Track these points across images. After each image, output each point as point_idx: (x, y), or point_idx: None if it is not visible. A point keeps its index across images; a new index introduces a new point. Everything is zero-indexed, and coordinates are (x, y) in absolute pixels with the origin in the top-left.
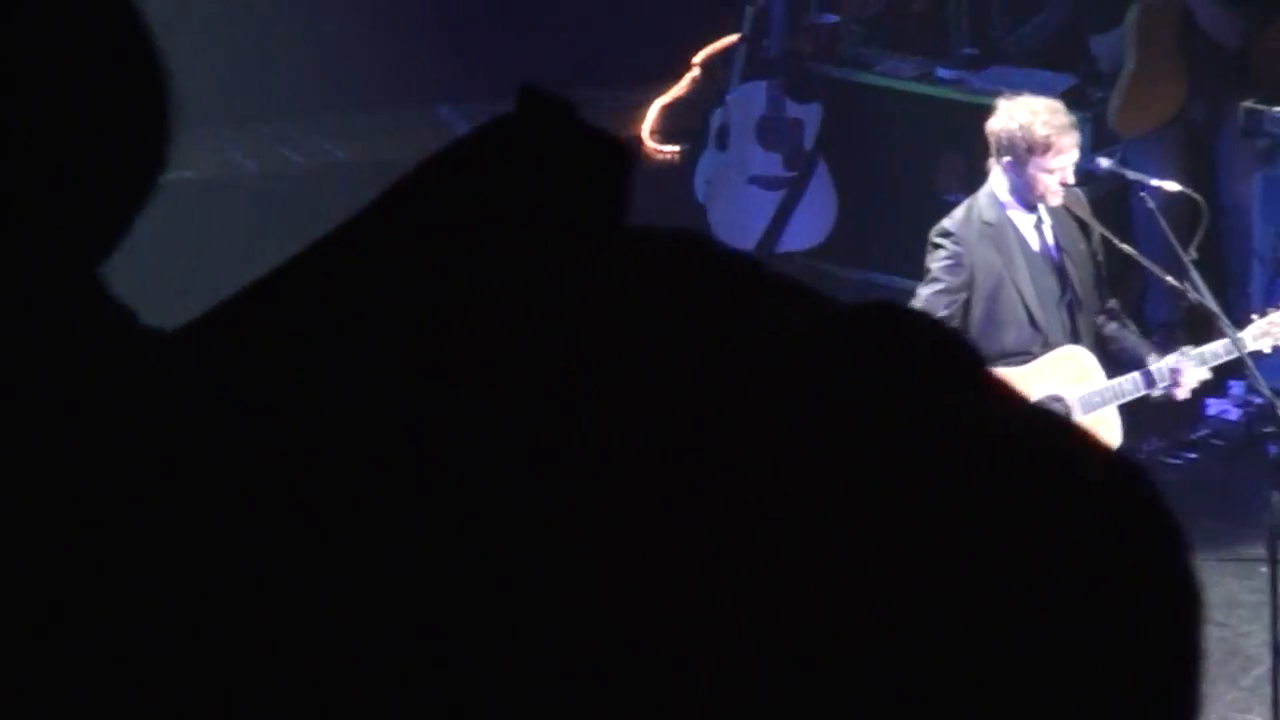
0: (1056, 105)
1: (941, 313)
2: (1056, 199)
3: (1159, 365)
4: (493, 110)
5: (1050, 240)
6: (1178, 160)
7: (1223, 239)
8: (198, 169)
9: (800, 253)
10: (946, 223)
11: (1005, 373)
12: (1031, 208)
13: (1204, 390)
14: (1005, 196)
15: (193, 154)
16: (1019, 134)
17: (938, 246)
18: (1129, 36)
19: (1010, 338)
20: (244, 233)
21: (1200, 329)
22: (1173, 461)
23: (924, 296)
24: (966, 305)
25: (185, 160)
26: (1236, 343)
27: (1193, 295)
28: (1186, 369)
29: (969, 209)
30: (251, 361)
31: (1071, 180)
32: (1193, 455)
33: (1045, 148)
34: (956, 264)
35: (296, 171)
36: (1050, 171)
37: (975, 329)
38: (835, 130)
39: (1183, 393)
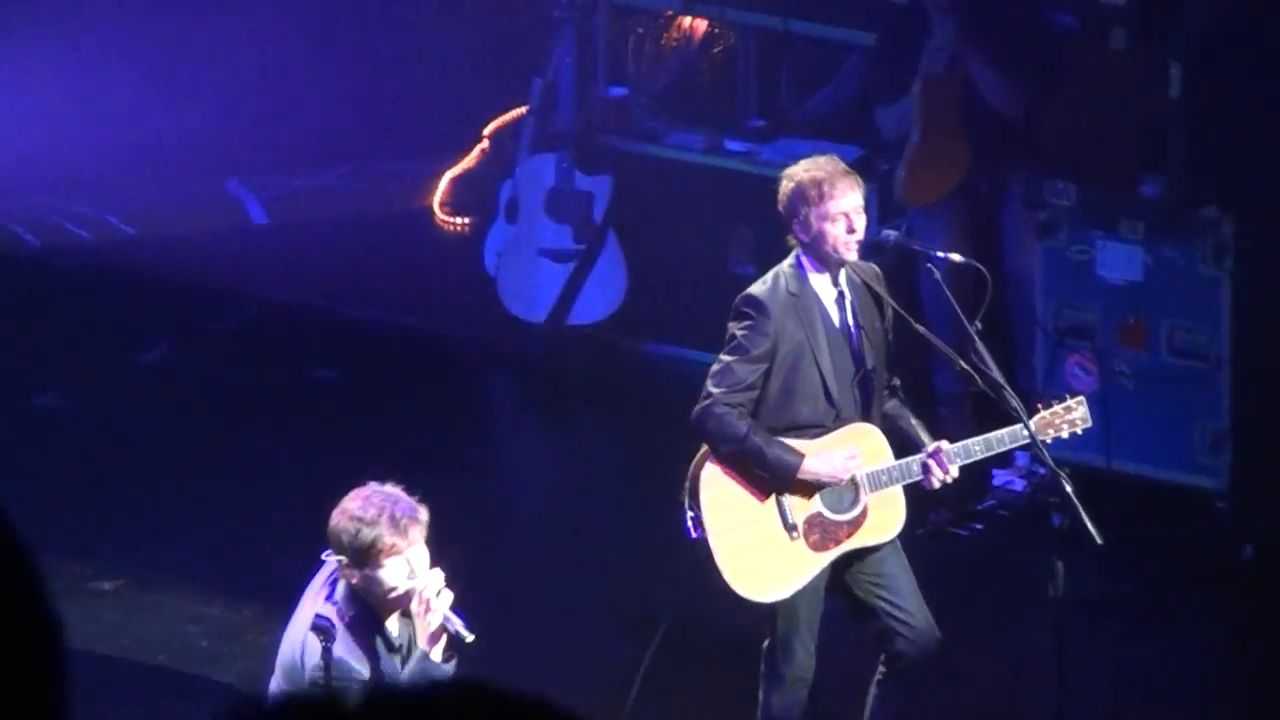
0: (829, 156)
1: (746, 381)
2: (850, 253)
3: (916, 459)
4: (281, 184)
5: (850, 316)
6: (963, 231)
7: (1007, 309)
8: None
9: (590, 325)
10: (754, 290)
11: (800, 445)
12: (834, 278)
13: (991, 461)
14: (807, 266)
15: None
16: (794, 189)
17: (743, 314)
18: (914, 109)
19: (805, 410)
20: (29, 308)
21: (987, 399)
22: (959, 533)
23: (726, 364)
24: (765, 375)
25: None
26: (1032, 433)
27: (969, 370)
28: (948, 465)
29: (775, 279)
30: None
31: (860, 230)
32: (979, 526)
33: (820, 195)
34: (760, 333)
35: (82, 247)
36: (833, 220)
37: (771, 400)
38: (625, 202)
39: (934, 482)
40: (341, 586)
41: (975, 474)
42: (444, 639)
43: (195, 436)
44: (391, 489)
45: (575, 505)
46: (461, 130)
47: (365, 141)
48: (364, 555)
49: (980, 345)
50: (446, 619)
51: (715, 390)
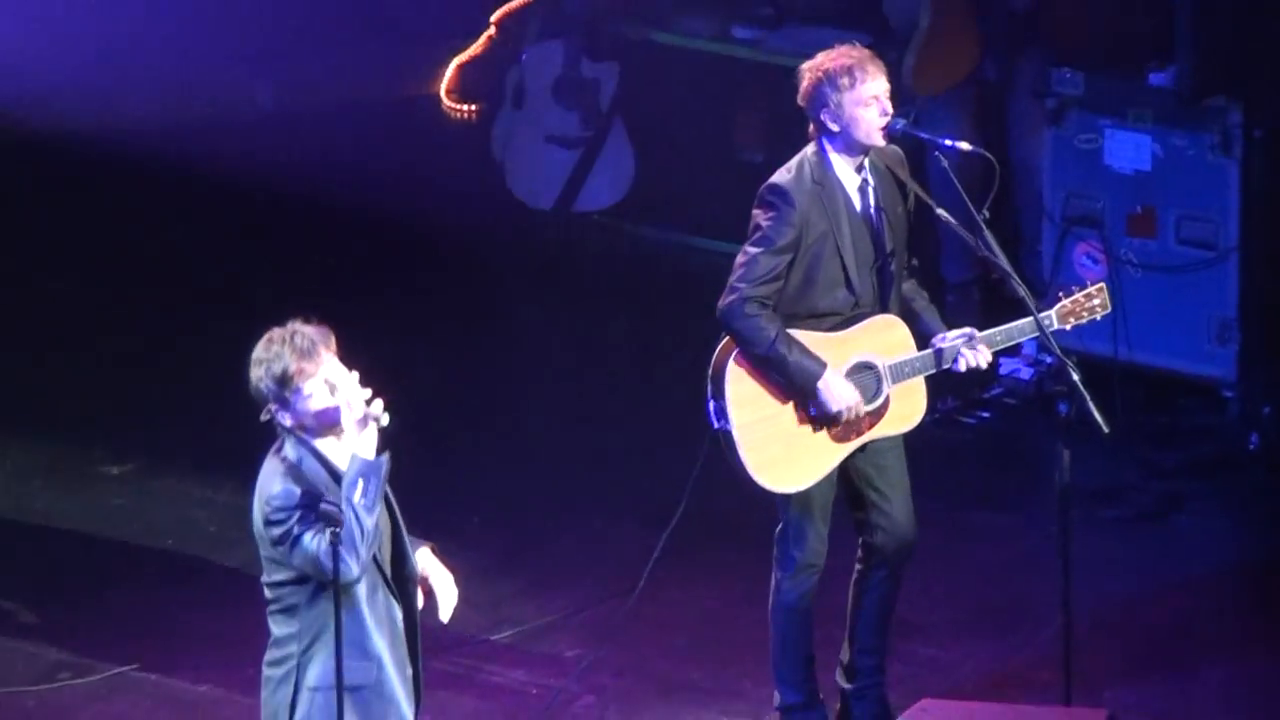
0: (850, 42)
1: (773, 273)
2: (880, 138)
3: (949, 345)
4: (289, 71)
5: (873, 202)
6: (971, 119)
7: (1014, 198)
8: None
9: (597, 212)
10: (777, 179)
11: (822, 338)
12: (857, 164)
13: (999, 351)
14: (832, 155)
15: None
16: (825, 79)
17: (768, 204)
18: None
19: (825, 298)
20: (40, 191)
21: (996, 287)
22: (967, 420)
23: (752, 255)
24: (789, 265)
25: None
26: (1039, 323)
27: (986, 256)
28: (979, 350)
29: (800, 168)
30: None
31: (890, 111)
32: (986, 414)
33: (852, 81)
34: (786, 223)
35: (94, 131)
36: (866, 104)
37: (792, 287)
38: (632, 89)
39: (963, 367)
40: (283, 444)
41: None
42: (372, 428)
43: (203, 321)
44: (289, 325)
45: (584, 391)
46: (469, 17)
47: (372, 28)
48: (282, 389)
49: (988, 234)
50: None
51: (741, 284)
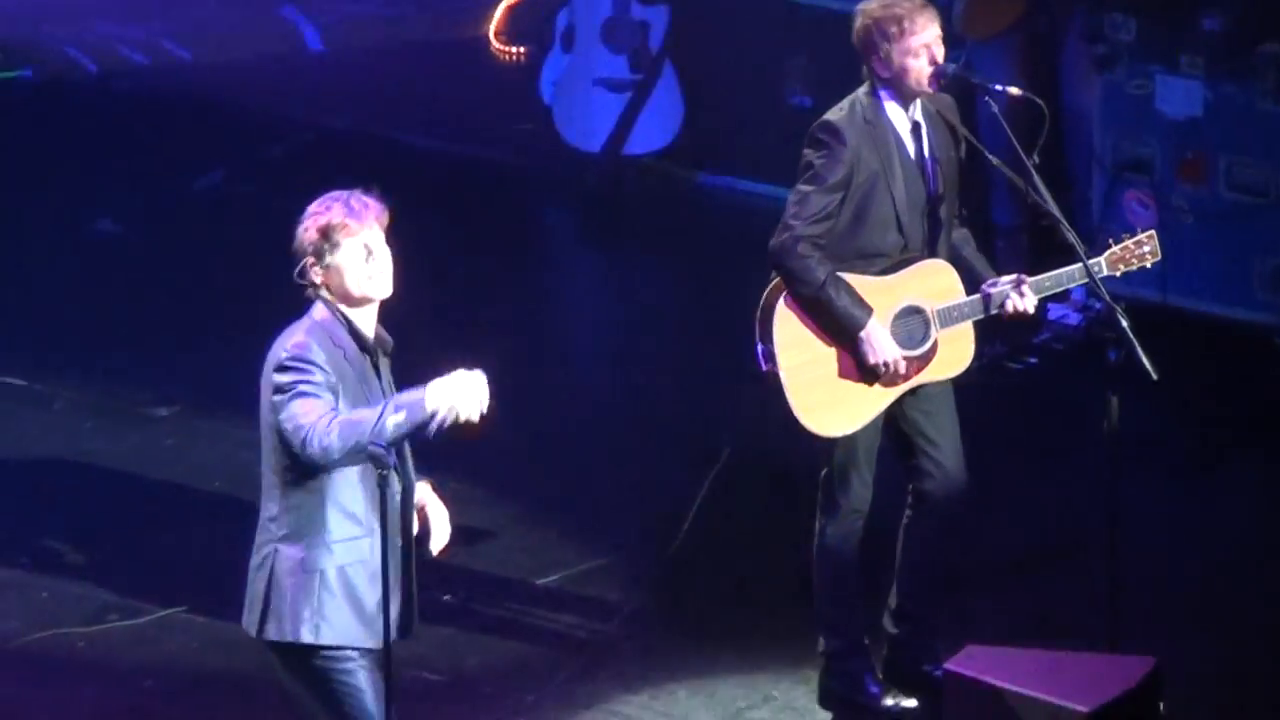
0: None
1: (825, 210)
2: (929, 85)
3: (998, 290)
4: (337, 10)
5: (925, 145)
6: (1021, 64)
7: (1064, 143)
8: (38, 68)
9: (646, 155)
10: (829, 118)
11: (871, 282)
12: (907, 108)
13: (1046, 297)
14: (884, 98)
15: (33, 54)
16: (876, 26)
17: (820, 142)
18: None
19: (874, 239)
20: (85, 134)
21: (1043, 233)
22: (1014, 366)
23: (804, 194)
24: (840, 204)
25: (25, 59)
26: (1088, 269)
27: (1036, 201)
28: (1026, 295)
29: (852, 107)
30: None
31: (940, 59)
32: (1033, 360)
33: (901, 30)
34: (838, 161)
35: (138, 71)
36: (915, 54)
37: (841, 226)
38: (682, 33)
39: (1010, 309)
40: (311, 309)
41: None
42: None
43: (250, 263)
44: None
45: (632, 335)
46: None
47: None
48: (322, 243)
49: (1038, 179)
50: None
51: (794, 222)
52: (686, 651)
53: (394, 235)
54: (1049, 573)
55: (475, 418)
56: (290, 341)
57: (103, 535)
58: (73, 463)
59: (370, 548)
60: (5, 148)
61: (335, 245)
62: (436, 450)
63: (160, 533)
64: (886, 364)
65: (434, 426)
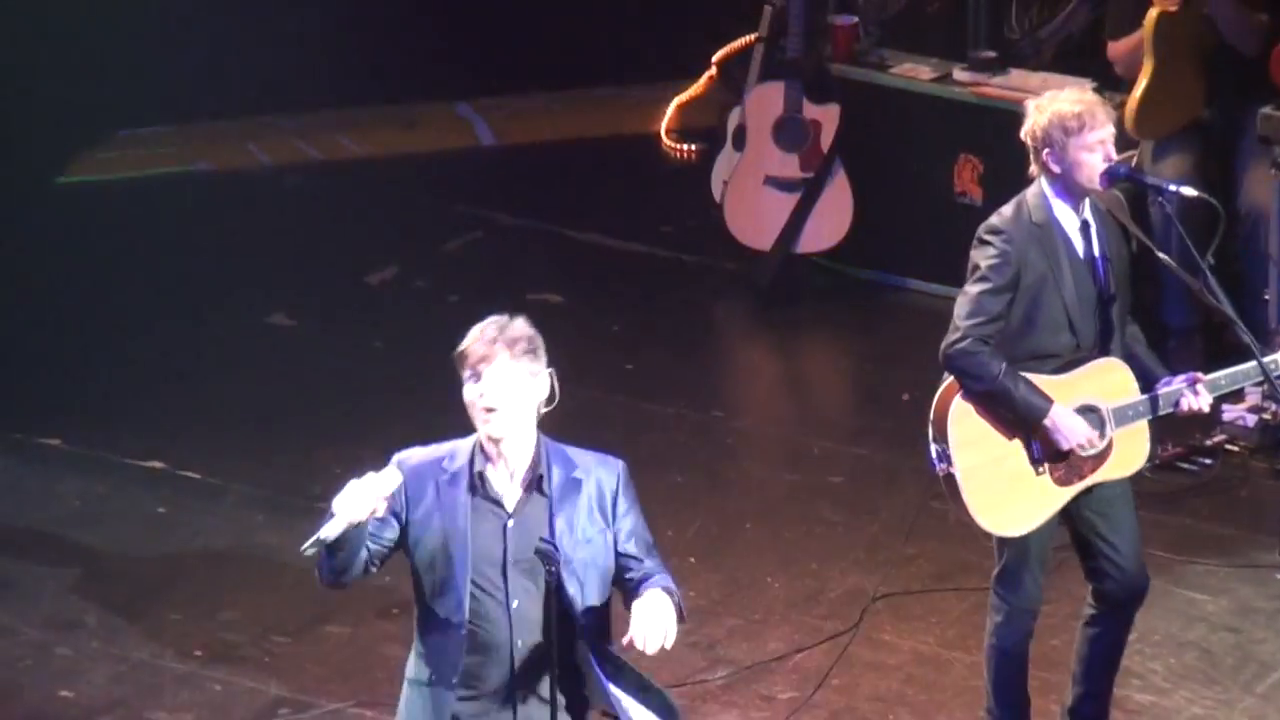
0: (1083, 84)
1: (994, 312)
2: (1101, 183)
3: (1172, 389)
4: (510, 106)
5: (1095, 244)
6: (1194, 165)
7: (1239, 246)
8: (216, 161)
9: (816, 254)
10: (996, 220)
11: (1046, 381)
12: (1079, 208)
13: (1221, 397)
14: (1052, 197)
15: (211, 147)
16: (1053, 121)
17: (986, 244)
18: (1146, 42)
19: (1046, 340)
20: (259, 225)
21: (1218, 334)
22: (1188, 467)
23: (973, 295)
24: (1009, 305)
25: (203, 153)
26: (1263, 366)
27: (1210, 302)
28: (1200, 394)
29: (1019, 207)
30: None
31: (1114, 157)
32: (1208, 461)
33: (1080, 125)
34: (1005, 263)
35: (311, 165)
36: (1091, 149)
37: (1012, 328)
38: (853, 131)
39: (1185, 407)
40: None
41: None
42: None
43: (422, 358)
44: (510, 318)
45: (802, 432)
46: (691, 57)
47: (593, 65)
48: (457, 365)
49: (1212, 280)
50: None
51: (964, 324)
52: None
53: (560, 330)
54: (1222, 673)
55: (361, 516)
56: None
57: (275, 628)
58: (245, 556)
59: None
60: (179, 242)
61: (461, 375)
62: None
63: (330, 627)
64: (1082, 443)
65: (332, 526)
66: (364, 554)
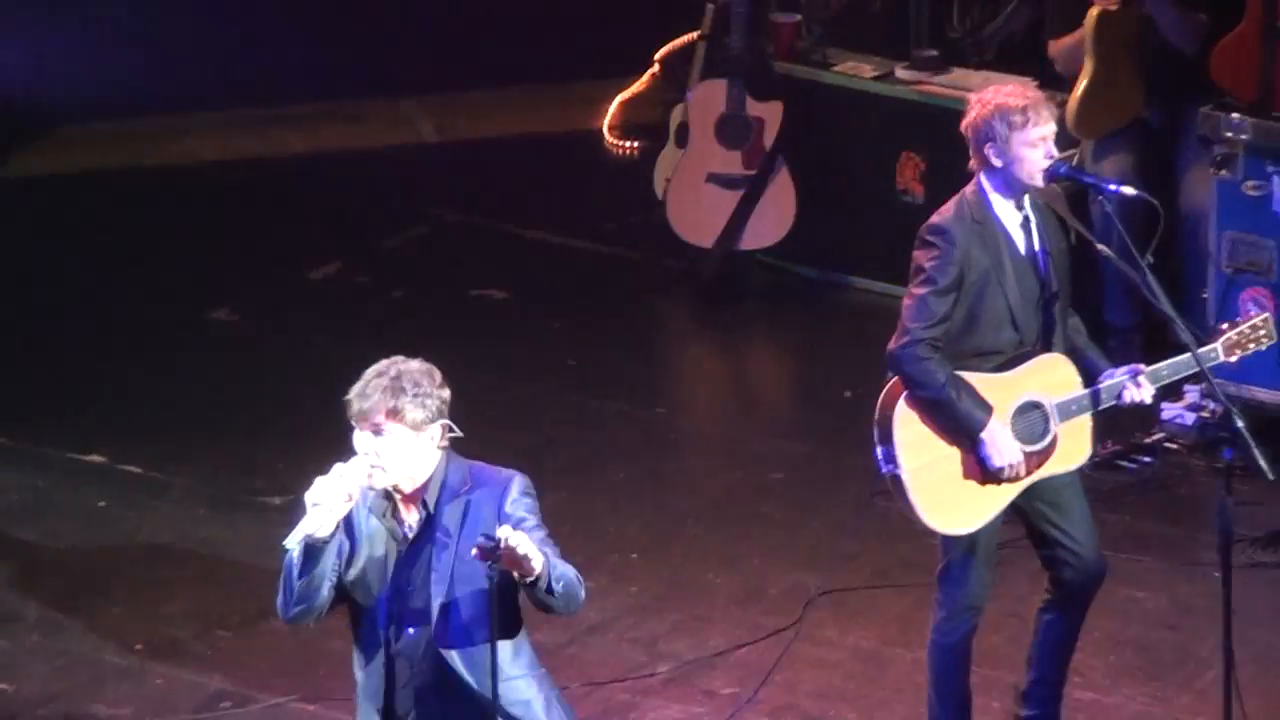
0: (1025, 81)
1: (940, 314)
2: (1041, 179)
3: (1114, 381)
4: (454, 102)
5: (1036, 240)
6: (1135, 164)
7: (1179, 244)
8: (157, 156)
9: (759, 252)
10: (937, 219)
11: (989, 378)
12: (1019, 203)
13: (1161, 394)
14: (992, 193)
15: (152, 143)
16: (995, 115)
17: (929, 244)
18: (1087, 41)
19: (989, 337)
20: (200, 220)
21: (1159, 332)
22: (1127, 465)
23: (919, 298)
24: (954, 305)
25: (145, 148)
26: (1198, 358)
27: (1150, 298)
28: (1143, 385)
29: (959, 206)
30: None
31: (1055, 154)
32: (1148, 459)
33: (1025, 120)
34: (949, 263)
35: (253, 160)
36: (1034, 145)
37: (955, 326)
38: (795, 129)
39: (1128, 399)
40: None
41: (1145, 406)
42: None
43: (363, 355)
44: (401, 362)
45: (744, 430)
46: (633, 54)
47: (536, 62)
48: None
49: (1152, 278)
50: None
51: (911, 325)
52: None
53: (504, 326)
54: (1162, 670)
55: (338, 505)
56: None
57: (217, 623)
58: (187, 550)
59: None
60: (120, 236)
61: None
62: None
63: (273, 621)
64: (1009, 466)
65: (313, 519)
66: (331, 579)
